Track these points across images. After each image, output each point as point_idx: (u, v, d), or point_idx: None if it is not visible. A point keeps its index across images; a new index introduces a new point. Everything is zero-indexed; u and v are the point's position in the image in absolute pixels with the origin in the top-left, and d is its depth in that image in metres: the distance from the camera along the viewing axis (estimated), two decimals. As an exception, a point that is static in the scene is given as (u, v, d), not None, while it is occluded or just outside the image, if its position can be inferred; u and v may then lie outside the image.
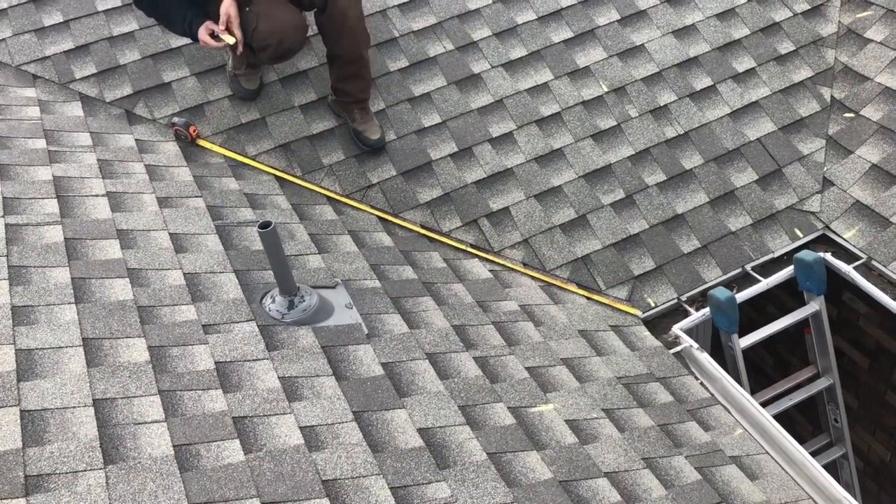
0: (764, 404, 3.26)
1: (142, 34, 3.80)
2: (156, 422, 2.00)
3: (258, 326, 2.45)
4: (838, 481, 3.60)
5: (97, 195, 2.90)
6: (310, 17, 3.61)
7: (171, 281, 2.56)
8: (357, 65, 3.48)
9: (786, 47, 4.04)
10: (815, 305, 3.35)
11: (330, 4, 3.28)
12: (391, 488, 1.99)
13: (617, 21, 4.05)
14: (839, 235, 3.49)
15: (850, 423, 3.94)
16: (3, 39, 3.72)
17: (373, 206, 3.47)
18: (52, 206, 2.76)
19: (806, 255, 3.25)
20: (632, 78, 3.89)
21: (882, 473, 4.29)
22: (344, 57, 3.45)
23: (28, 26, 3.77)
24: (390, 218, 3.43)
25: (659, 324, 3.29)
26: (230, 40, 3.18)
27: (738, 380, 3.23)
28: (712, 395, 2.90)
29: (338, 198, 3.47)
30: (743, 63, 3.97)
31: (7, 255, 2.45)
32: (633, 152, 3.69)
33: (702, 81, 3.91)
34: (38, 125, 3.27)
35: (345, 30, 3.36)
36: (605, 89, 3.85)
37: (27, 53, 3.69)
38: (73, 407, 1.98)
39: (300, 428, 2.10)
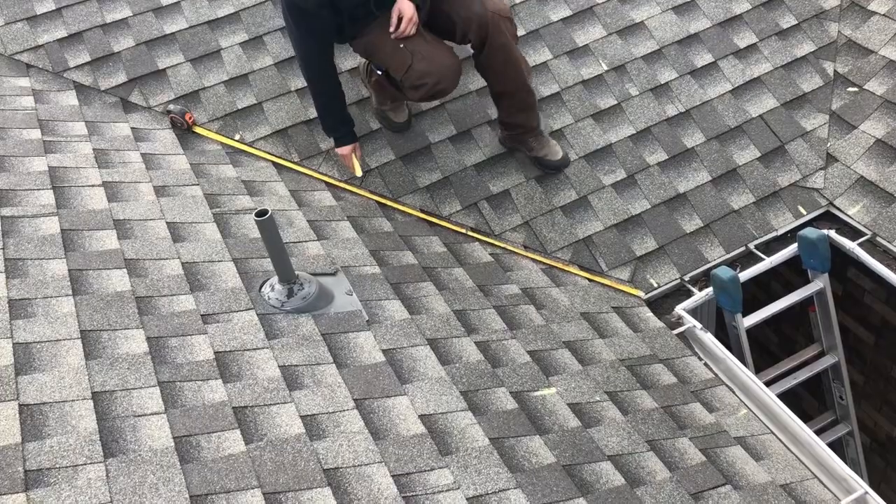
0: (769, 383, 3.24)
1: (135, 20, 3.77)
2: (155, 414, 1.99)
3: (258, 315, 2.43)
4: (844, 459, 3.59)
5: (93, 185, 2.88)
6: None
7: (169, 271, 2.54)
8: (525, 95, 3.37)
9: (787, 21, 3.98)
10: (819, 283, 3.33)
11: (489, 41, 3.15)
12: (393, 476, 1.98)
13: (616, -2, 3.99)
14: (843, 212, 3.45)
15: (856, 399, 3.92)
16: (-4, 29, 3.69)
17: (372, 192, 3.44)
18: (47, 197, 2.74)
19: (810, 232, 3.22)
20: (632, 56, 3.84)
21: (888, 449, 4.29)
22: (513, 91, 3.33)
23: (20, 14, 3.73)
24: (389, 203, 3.41)
25: (662, 304, 3.27)
26: (358, 173, 3.41)
27: (742, 360, 3.21)
28: (716, 375, 2.88)
29: (336, 183, 3.44)
30: (744, 38, 3.92)
31: (3, 248, 2.43)
32: (634, 131, 3.65)
33: (703, 58, 3.86)
34: (32, 115, 3.24)
35: (509, 63, 3.24)
36: (605, 68, 3.80)
37: (20, 42, 3.66)
38: (72, 400, 1.97)
39: (301, 417, 2.09)
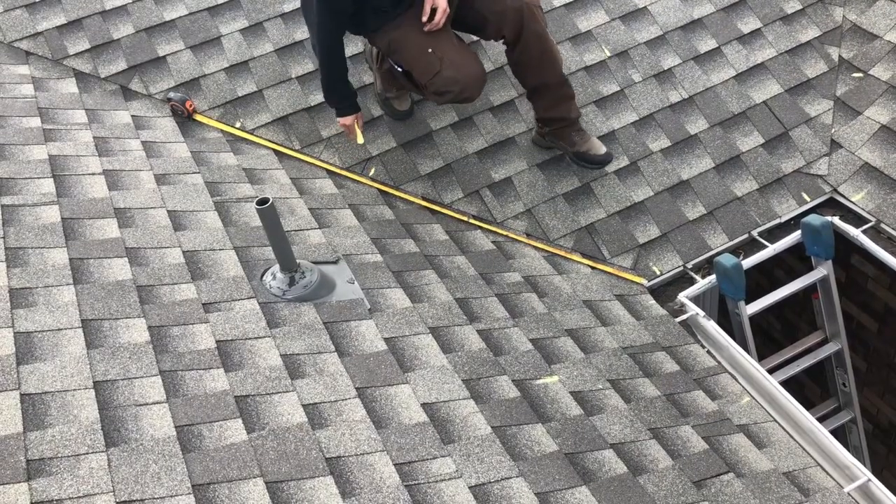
0: (772, 370, 3.24)
1: (134, 7, 3.74)
2: (157, 403, 1.99)
3: (259, 304, 2.42)
4: (847, 446, 3.60)
5: (94, 173, 2.87)
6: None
7: (171, 259, 2.53)
8: (563, 86, 3.30)
9: (792, 6, 3.95)
10: (822, 270, 3.31)
11: (524, 32, 3.09)
12: (395, 464, 1.98)
13: (619, -17, 3.96)
14: (847, 198, 3.43)
15: (859, 386, 3.92)
16: (-6, 16, 3.66)
17: (373, 179, 3.43)
18: (48, 185, 2.73)
19: (813, 219, 3.20)
20: (635, 42, 3.81)
21: (891, 436, 4.29)
22: (550, 83, 3.27)
23: (19, 1, 3.71)
24: (391, 191, 3.39)
25: (664, 292, 3.26)
26: (360, 141, 3.37)
27: (745, 347, 3.20)
28: (719, 363, 2.88)
29: (338, 171, 3.43)
30: (748, 24, 3.89)
31: (3, 237, 2.43)
32: (637, 118, 3.63)
33: (706, 44, 3.83)
34: (32, 103, 3.23)
35: (546, 53, 3.19)
36: (608, 54, 3.77)
37: (19, 30, 3.64)
38: (74, 389, 1.97)
39: (303, 406, 2.09)
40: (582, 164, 3.46)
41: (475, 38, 3.65)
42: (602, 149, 3.43)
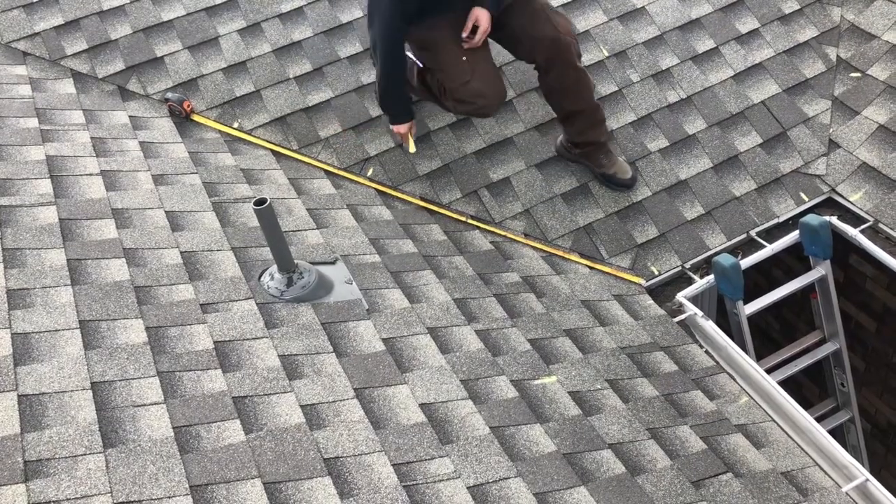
0: (770, 370, 3.24)
1: (132, 8, 3.74)
2: (155, 404, 1.99)
3: (257, 304, 2.42)
4: (845, 445, 3.60)
5: (91, 174, 2.87)
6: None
7: (168, 260, 2.53)
8: (595, 111, 3.33)
9: (790, 6, 3.95)
10: (821, 270, 3.31)
11: (560, 63, 3.12)
12: (393, 465, 1.97)
13: (617, -17, 3.96)
14: (845, 198, 3.43)
15: (857, 385, 3.92)
16: (-8, 16, 3.66)
17: (371, 180, 3.43)
18: (45, 186, 2.73)
19: (811, 219, 3.20)
20: (633, 42, 3.81)
21: (889, 435, 4.29)
22: (584, 109, 3.28)
23: (17, 2, 3.70)
24: (389, 191, 3.39)
25: (663, 292, 3.26)
26: (412, 150, 3.41)
27: (743, 347, 3.20)
28: (717, 363, 2.88)
29: (335, 171, 3.42)
30: (746, 24, 3.89)
31: (1, 238, 2.42)
32: (635, 118, 3.63)
33: (704, 44, 3.83)
34: (29, 104, 3.22)
35: (580, 82, 3.21)
36: (606, 54, 3.77)
37: (16, 30, 3.63)
38: (71, 391, 1.96)
39: (301, 406, 2.08)
40: (607, 185, 3.46)
41: None
42: (628, 172, 3.43)
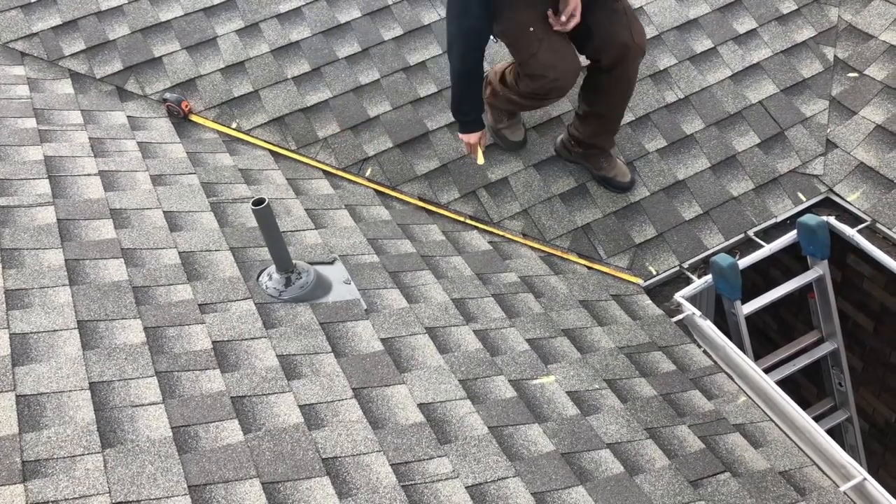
0: (768, 370, 3.24)
1: (130, 8, 3.74)
2: (153, 404, 1.99)
3: (255, 304, 2.42)
4: (843, 445, 3.60)
5: (89, 174, 2.87)
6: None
7: (166, 260, 2.53)
8: (617, 121, 3.32)
9: (787, 6, 3.95)
10: (818, 270, 3.32)
11: (621, 69, 3.06)
12: (392, 465, 1.97)
13: (615, -17, 3.96)
14: (843, 198, 3.44)
15: (855, 385, 3.93)
16: (-10, 17, 3.66)
17: (369, 180, 3.43)
18: (43, 186, 2.73)
19: (809, 219, 3.21)
20: (631, 42, 3.81)
21: (887, 435, 4.30)
22: (611, 116, 3.27)
23: (14, 2, 3.70)
24: (387, 191, 3.39)
25: (661, 292, 3.26)
26: (481, 161, 3.28)
27: (741, 347, 3.20)
28: (715, 362, 2.88)
29: (334, 171, 3.42)
30: (744, 24, 3.89)
31: (-1, 238, 2.42)
32: (633, 118, 3.63)
33: (702, 44, 3.83)
34: (27, 104, 3.22)
35: (627, 94, 3.20)
36: (604, 54, 3.77)
37: (14, 30, 3.63)
38: (70, 391, 1.96)
39: (299, 406, 2.08)
40: (605, 187, 3.45)
41: None
42: (627, 175, 3.43)
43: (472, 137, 3.22)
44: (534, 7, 2.97)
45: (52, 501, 1.69)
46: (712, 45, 3.83)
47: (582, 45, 3.11)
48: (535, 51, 2.97)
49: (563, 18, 2.95)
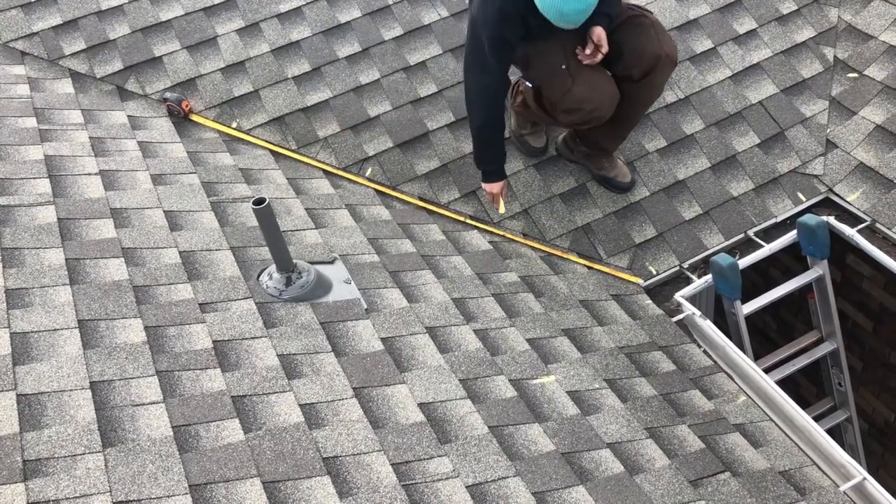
0: (767, 370, 3.24)
1: (130, 7, 3.74)
2: (154, 403, 1.99)
3: (256, 304, 2.42)
4: (842, 445, 3.60)
5: (90, 174, 2.87)
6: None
7: (167, 260, 2.53)
8: (631, 128, 3.32)
9: (787, 7, 3.96)
10: (818, 270, 3.32)
11: (650, 79, 3.03)
12: (392, 464, 1.98)
13: (615, -17, 3.96)
14: (843, 198, 3.44)
15: (855, 385, 3.93)
16: (-10, 16, 3.66)
17: (370, 179, 3.43)
18: (44, 185, 2.73)
19: (809, 219, 3.21)
20: (631, 42, 3.81)
21: (887, 435, 4.30)
22: (625, 122, 3.24)
23: (14, 1, 3.70)
24: (388, 191, 3.39)
25: (661, 292, 3.26)
26: (502, 209, 3.33)
27: (741, 346, 3.21)
28: (715, 362, 2.88)
29: (334, 171, 3.43)
30: (744, 24, 3.90)
31: (-1, 238, 2.42)
32: (633, 118, 3.63)
33: (702, 44, 3.83)
34: (27, 103, 3.22)
35: (649, 103, 3.21)
36: (604, 54, 3.77)
37: (14, 30, 3.63)
38: (70, 390, 1.96)
39: (300, 406, 2.09)
40: (605, 187, 3.45)
41: None
42: (628, 176, 3.43)
43: (495, 188, 3.26)
44: (562, 47, 2.96)
45: (52, 500, 1.70)
46: (712, 46, 3.83)
47: (612, 67, 3.07)
48: (568, 87, 2.95)
49: (588, 51, 2.92)
